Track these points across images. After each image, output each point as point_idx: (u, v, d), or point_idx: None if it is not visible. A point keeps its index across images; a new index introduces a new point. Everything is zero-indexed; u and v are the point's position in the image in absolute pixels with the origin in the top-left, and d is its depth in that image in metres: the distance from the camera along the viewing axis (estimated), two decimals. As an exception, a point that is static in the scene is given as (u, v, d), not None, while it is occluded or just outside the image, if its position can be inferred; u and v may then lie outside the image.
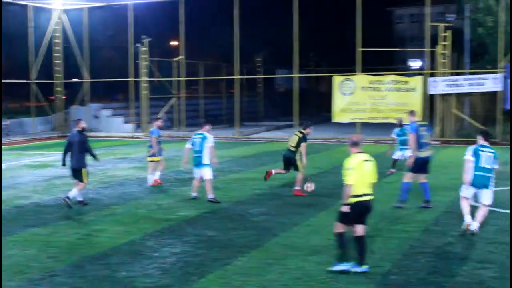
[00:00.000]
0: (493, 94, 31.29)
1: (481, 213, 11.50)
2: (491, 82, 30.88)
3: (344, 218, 9.07)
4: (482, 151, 11.48)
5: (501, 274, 8.99)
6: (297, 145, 16.03)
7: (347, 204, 9.02)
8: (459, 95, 32.57)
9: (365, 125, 34.02)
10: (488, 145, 11.66)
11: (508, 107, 30.63)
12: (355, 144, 9.30)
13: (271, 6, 53.10)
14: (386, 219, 12.82)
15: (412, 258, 9.85)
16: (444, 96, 32.21)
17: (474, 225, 11.40)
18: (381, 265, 9.39)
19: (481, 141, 11.69)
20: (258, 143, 32.99)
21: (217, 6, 45.26)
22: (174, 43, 47.42)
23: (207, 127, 15.40)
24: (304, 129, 16.24)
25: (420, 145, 13.92)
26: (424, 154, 13.95)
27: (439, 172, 19.02)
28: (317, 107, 50.16)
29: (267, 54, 54.56)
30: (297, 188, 16.03)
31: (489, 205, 11.57)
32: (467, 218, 11.54)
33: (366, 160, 9.18)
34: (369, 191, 9.15)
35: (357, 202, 9.01)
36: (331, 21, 61.45)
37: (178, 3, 37.90)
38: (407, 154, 16.74)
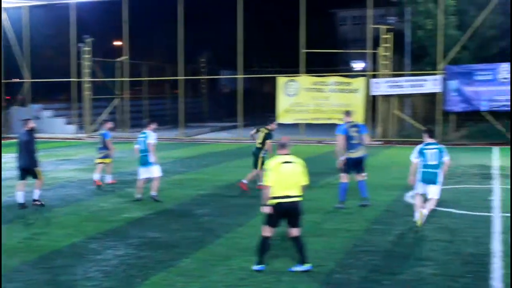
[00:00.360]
0: (433, 95, 31.98)
1: (430, 204, 12.08)
2: (431, 84, 31.59)
3: (269, 220, 9.15)
4: (427, 149, 11.98)
5: (441, 271, 9.18)
6: (263, 142, 16.16)
7: (268, 205, 9.09)
8: (400, 96, 33.20)
9: (309, 126, 34.39)
10: (433, 142, 12.14)
11: (447, 108, 31.38)
12: (281, 146, 9.35)
13: (215, 6, 52.98)
14: (329, 219, 12.97)
15: (354, 256, 9.97)
16: (386, 97, 32.78)
17: (423, 211, 11.93)
18: (324, 264, 9.49)
19: (426, 138, 12.18)
20: (203, 144, 32.92)
21: (161, 6, 44.89)
22: (117, 43, 46.87)
23: (152, 126, 15.41)
24: (268, 125, 16.46)
25: (350, 146, 14.04)
26: (355, 154, 14.05)
27: (381, 171, 19.32)
28: (262, 107, 50.27)
29: (212, 55, 54.45)
30: (244, 181, 16.17)
31: (436, 200, 12.10)
32: (417, 215, 12.08)
33: (287, 162, 9.14)
34: (293, 193, 9.07)
35: (277, 204, 9.03)
36: (275, 22, 61.70)
37: (121, 3, 37.52)
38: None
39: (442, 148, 12.11)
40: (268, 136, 16.23)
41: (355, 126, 14.35)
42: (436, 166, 11.93)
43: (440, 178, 12.03)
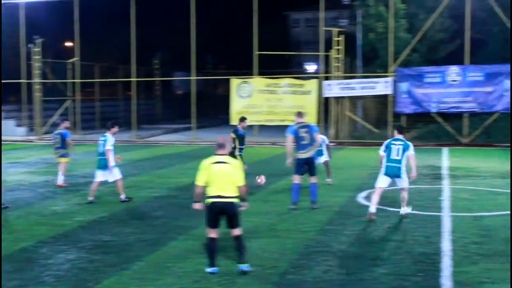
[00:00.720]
0: (384, 97, 32.43)
1: (403, 196, 13.08)
2: (382, 86, 32.04)
3: (208, 221, 9.20)
4: (394, 144, 12.76)
5: (393, 270, 9.31)
6: (234, 140, 16.19)
7: (198, 203, 9.31)
8: (352, 98, 33.58)
9: (262, 128, 34.52)
10: (401, 138, 12.88)
11: (398, 109, 31.87)
12: (219, 146, 9.39)
13: (168, 8, 52.75)
14: (283, 220, 13.03)
15: (308, 257, 10.04)
16: (338, 99, 33.11)
17: (402, 210, 13.08)
18: (278, 265, 9.53)
19: (395, 134, 13.07)
20: (156, 146, 32.72)
21: (113, 7, 44.47)
22: (68, 44, 46.24)
23: (114, 129, 15.30)
24: (239, 123, 16.61)
25: (300, 146, 14.14)
26: (304, 155, 14.12)
27: (334, 172, 19.47)
28: (215, 109, 50.28)
29: (165, 57, 54.17)
30: None
31: (407, 188, 12.99)
32: (372, 208, 12.73)
33: (220, 162, 9.16)
34: (227, 193, 9.07)
35: (211, 203, 9.11)
36: (228, 24, 61.76)
37: (73, 3, 37.02)
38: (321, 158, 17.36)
39: (408, 144, 12.76)
40: (234, 132, 16.31)
41: (305, 126, 14.33)
42: (399, 161, 12.65)
43: (404, 171, 12.72)
